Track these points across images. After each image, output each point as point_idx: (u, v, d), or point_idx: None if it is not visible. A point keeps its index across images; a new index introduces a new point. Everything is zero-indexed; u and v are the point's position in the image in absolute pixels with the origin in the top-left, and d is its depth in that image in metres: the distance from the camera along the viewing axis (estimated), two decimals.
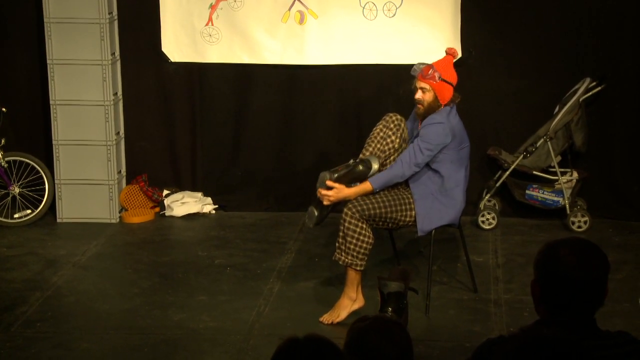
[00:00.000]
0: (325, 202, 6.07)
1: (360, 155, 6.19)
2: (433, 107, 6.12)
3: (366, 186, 6.07)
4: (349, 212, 5.97)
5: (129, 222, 7.89)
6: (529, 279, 6.87)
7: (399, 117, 6.25)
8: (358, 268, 6.01)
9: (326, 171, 6.09)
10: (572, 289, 2.98)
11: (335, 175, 6.05)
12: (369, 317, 3.29)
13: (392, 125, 6.20)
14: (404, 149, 6.19)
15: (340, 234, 6.00)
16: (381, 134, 6.20)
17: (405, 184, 6.18)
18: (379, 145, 6.18)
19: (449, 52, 6.26)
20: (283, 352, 2.74)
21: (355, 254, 5.97)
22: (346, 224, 5.97)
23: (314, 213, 6.14)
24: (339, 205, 6.12)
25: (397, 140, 6.20)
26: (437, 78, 6.09)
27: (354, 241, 5.96)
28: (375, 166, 6.09)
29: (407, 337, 3.17)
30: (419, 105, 6.14)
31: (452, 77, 6.16)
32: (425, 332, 5.94)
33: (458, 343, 5.79)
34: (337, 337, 3.19)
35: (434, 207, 6.11)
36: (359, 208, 5.98)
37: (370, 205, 6.00)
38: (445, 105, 6.13)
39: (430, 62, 6.23)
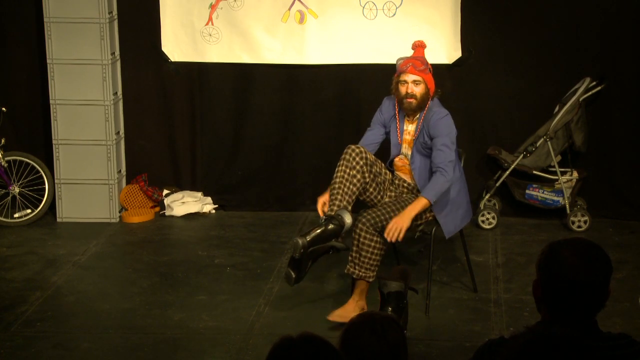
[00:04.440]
0: (393, 240, 5.84)
1: (330, 204, 6.02)
2: (424, 99, 6.07)
3: (423, 202, 5.89)
4: (364, 227, 5.89)
5: (129, 221, 7.89)
6: (529, 278, 6.88)
7: (356, 150, 6.06)
8: (370, 280, 5.99)
9: (298, 237, 5.90)
10: (573, 291, 2.97)
11: (308, 238, 5.85)
12: (363, 314, 3.30)
13: (354, 163, 6.03)
14: (375, 172, 6.10)
15: (354, 247, 5.94)
16: (345, 175, 6.02)
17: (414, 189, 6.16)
18: (345, 189, 6.00)
19: (420, 45, 6.16)
20: (277, 352, 2.74)
21: (368, 266, 5.94)
22: (361, 239, 5.91)
23: (291, 275, 5.92)
24: (319, 259, 5.97)
25: (366, 174, 6.06)
26: (428, 70, 6.07)
27: (368, 255, 5.92)
28: (348, 221, 5.90)
29: (399, 332, 3.17)
30: (411, 100, 6.05)
31: (431, 67, 6.14)
32: (425, 331, 5.94)
33: (458, 343, 5.79)
34: (334, 337, 3.19)
35: (451, 209, 6.09)
36: (372, 221, 5.91)
37: (383, 217, 5.95)
38: (432, 97, 6.09)
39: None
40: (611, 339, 3.01)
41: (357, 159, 6.04)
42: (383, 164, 6.23)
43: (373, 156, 6.15)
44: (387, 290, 5.72)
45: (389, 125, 6.23)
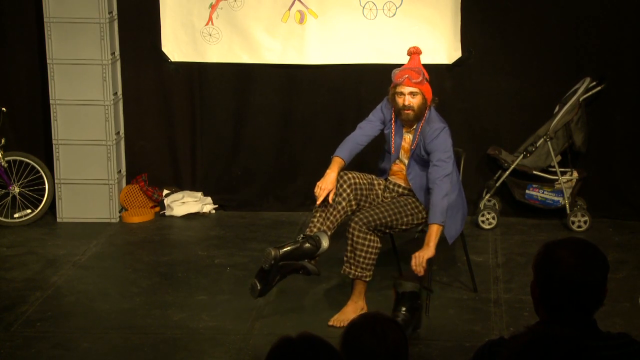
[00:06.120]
0: (422, 273, 5.73)
1: (310, 225, 6.00)
2: (422, 110, 6.01)
3: (435, 229, 5.80)
4: (356, 226, 5.87)
5: (129, 221, 7.89)
6: (529, 278, 6.87)
7: (344, 177, 6.05)
8: (367, 279, 5.99)
9: (271, 248, 5.85)
10: (571, 291, 2.97)
11: (281, 251, 5.81)
12: (364, 315, 3.30)
13: (340, 190, 6.02)
14: (365, 194, 6.09)
15: (349, 247, 5.93)
16: (330, 200, 6.00)
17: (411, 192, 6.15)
18: (327, 214, 5.99)
19: (416, 51, 6.12)
20: (277, 352, 2.74)
21: (364, 266, 5.93)
22: (355, 238, 5.89)
23: (256, 286, 5.85)
24: (287, 275, 5.94)
25: (352, 202, 6.04)
26: (425, 80, 6.03)
27: (363, 254, 5.91)
28: (324, 244, 5.87)
29: (400, 333, 3.17)
30: (409, 112, 6.00)
31: (427, 75, 6.10)
32: (425, 331, 5.93)
33: (458, 343, 5.79)
34: (334, 337, 3.19)
35: (451, 214, 6.06)
36: (365, 220, 5.89)
37: (376, 216, 5.93)
38: (430, 106, 6.05)
39: (425, 62, 6.20)
40: (611, 339, 3.01)
41: (345, 186, 6.05)
42: (373, 176, 6.22)
43: (362, 176, 6.14)
44: (402, 290, 5.70)
45: (388, 127, 6.21)
